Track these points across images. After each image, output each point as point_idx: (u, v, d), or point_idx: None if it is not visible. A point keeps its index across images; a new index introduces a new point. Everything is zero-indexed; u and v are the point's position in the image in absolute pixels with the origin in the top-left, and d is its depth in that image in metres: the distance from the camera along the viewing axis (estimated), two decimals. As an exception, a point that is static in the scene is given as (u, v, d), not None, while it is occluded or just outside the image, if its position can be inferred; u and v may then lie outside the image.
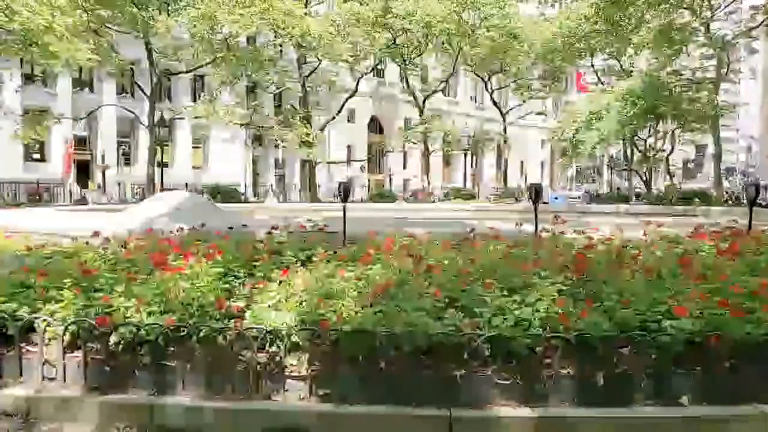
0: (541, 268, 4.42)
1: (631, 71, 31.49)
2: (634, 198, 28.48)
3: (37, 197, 27.11)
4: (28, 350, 4.14)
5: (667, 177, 35.66)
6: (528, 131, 54.50)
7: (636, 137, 30.32)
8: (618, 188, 38.80)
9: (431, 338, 3.65)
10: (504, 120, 41.58)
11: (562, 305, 3.86)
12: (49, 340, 4.08)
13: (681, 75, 29.77)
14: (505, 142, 42.26)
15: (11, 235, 7.36)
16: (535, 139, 58.03)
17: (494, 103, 41.35)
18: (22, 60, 25.11)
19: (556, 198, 30.40)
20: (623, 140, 30.81)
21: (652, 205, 21.52)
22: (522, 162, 55.49)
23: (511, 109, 42.70)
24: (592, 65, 36.54)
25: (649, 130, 30.93)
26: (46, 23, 18.18)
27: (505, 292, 4.17)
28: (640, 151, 31.76)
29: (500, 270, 4.63)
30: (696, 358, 3.61)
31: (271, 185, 39.75)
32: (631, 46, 29.66)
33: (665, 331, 3.56)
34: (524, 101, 41.30)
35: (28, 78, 30.41)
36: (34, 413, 3.85)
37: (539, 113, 43.73)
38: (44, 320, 4.08)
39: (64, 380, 4.01)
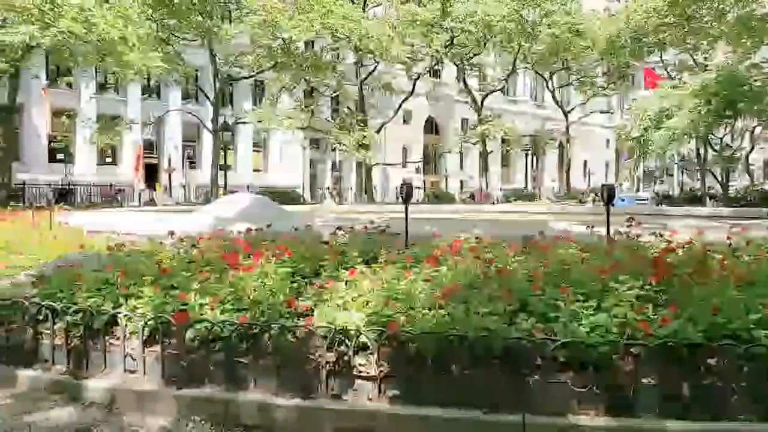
0: (617, 272, 4.27)
1: (706, 66, 30.07)
2: (708, 200, 27.23)
3: (110, 199, 28.44)
4: (111, 343, 4.33)
5: (746, 177, 33.85)
6: (592, 130, 53.07)
7: (711, 135, 28.85)
8: (691, 189, 37.12)
9: (504, 342, 3.57)
10: (566, 119, 40.69)
11: (642, 311, 3.71)
12: (131, 334, 4.25)
13: (762, 68, 28.18)
14: (567, 141, 41.32)
15: (93, 235, 7.75)
16: (600, 138, 56.45)
17: (555, 101, 40.52)
18: (96, 69, 26.44)
19: (623, 200, 29.31)
20: (696, 139, 29.41)
21: (731, 207, 20.47)
22: (585, 162, 54.08)
23: (573, 108, 41.71)
24: (662, 60, 35.11)
25: (726, 127, 29.35)
26: (120, 34, 19.11)
27: (580, 297, 4.04)
28: (715, 150, 30.27)
29: (573, 274, 4.49)
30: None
31: (328, 187, 40.30)
32: (710, 41, 28.21)
33: (759, 341, 3.35)
34: (587, 99, 40.26)
35: (101, 87, 31.96)
36: (117, 404, 4.02)
37: (604, 111, 42.52)
38: (126, 315, 4.26)
39: (144, 373, 4.16)
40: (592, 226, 6.06)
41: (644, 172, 52.55)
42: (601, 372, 3.48)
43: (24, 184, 25.30)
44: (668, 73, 34.92)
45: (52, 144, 31.02)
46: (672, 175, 49.38)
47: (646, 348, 3.43)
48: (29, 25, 18.50)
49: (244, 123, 33.59)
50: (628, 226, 5.75)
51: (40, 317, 4.51)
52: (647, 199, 30.80)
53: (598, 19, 33.77)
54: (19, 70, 21.73)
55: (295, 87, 31.39)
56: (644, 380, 3.47)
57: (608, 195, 5.62)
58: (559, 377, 3.54)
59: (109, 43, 19.42)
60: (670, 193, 38.18)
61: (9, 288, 5.04)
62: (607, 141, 56.63)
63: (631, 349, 3.48)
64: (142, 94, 33.93)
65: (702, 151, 31.17)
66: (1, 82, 21.89)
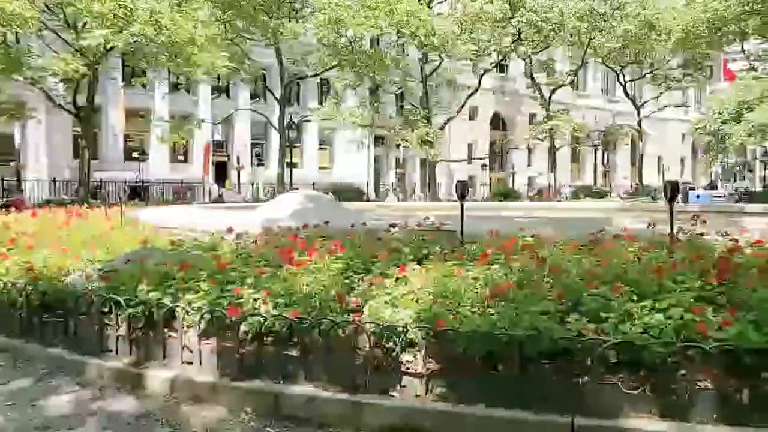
0: (676, 272, 4.08)
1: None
2: (793, 196, 25.57)
3: (181, 195, 29.61)
4: (170, 335, 4.51)
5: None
6: (666, 125, 50.86)
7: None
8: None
9: (554, 342, 3.49)
10: (638, 113, 39.17)
11: (700, 313, 3.53)
12: (188, 327, 4.41)
13: None
14: (639, 137, 39.75)
15: (160, 231, 8.10)
16: (675, 133, 53.98)
17: (627, 95, 39.04)
18: (169, 70, 27.55)
19: (698, 197, 27.98)
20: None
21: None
22: (659, 158, 51.85)
23: (646, 102, 40.07)
24: (743, 50, 33.19)
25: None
26: (189, 35, 19.83)
27: (635, 297, 3.89)
28: (802, 144, 28.39)
29: (630, 273, 4.33)
30: None
31: (392, 184, 40.45)
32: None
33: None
34: (661, 93, 38.56)
35: (174, 87, 33.26)
36: (175, 393, 4.20)
37: (679, 105, 40.60)
38: (183, 309, 4.42)
39: (200, 364, 4.32)
40: (654, 224, 5.83)
41: (723, 167, 49.85)
42: (655, 375, 3.35)
43: (101, 181, 26.68)
44: (750, 63, 32.97)
45: (127, 143, 32.65)
46: (753, 171, 46.62)
47: (703, 351, 3.26)
48: (104, 29, 19.49)
49: (309, 121, 34.17)
50: (692, 225, 5.50)
51: (105, 309, 4.75)
52: (724, 196, 29.19)
53: (673, 8, 32.19)
54: (96, 73, 22.90)
55: (359, 84, 31.64)
56: (701, 384, 3.31)
57: (671, 192, 5.37)
58: (611, 379, 3.43)
59: (178, 44, 20.23)
60: (751, 189, 36.04)
61: (80, 281, 5.34)
62: (683, 136, 54.11)
63: (688, 352, 3.33)
64: (213, 93, 35.09)
65: (787, 145, 29.29)
66: (81, 84, 23.12)
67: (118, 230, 8.35)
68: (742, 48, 32.96)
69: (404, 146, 33.91)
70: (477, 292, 4.20)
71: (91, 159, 24.97)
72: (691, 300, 3.69)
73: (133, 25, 19.45)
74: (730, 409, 3.26)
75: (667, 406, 3.32)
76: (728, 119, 24.99)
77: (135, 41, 20.32)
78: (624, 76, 38.41)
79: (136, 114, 30.15)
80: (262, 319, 4.13)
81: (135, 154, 32.67)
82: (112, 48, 21.44)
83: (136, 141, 33.03)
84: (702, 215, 5.99)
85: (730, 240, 5.05)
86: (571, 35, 32.35)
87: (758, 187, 38.41)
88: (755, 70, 31.88)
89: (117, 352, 4.70)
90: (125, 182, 26.42)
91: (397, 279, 4.65)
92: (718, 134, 26.58)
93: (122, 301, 4.63)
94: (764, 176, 43.82)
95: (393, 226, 6.70)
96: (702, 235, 5.35)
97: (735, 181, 46.89)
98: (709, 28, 28.28)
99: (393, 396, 3.79)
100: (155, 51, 21.77)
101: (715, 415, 3.27)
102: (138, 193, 25.76)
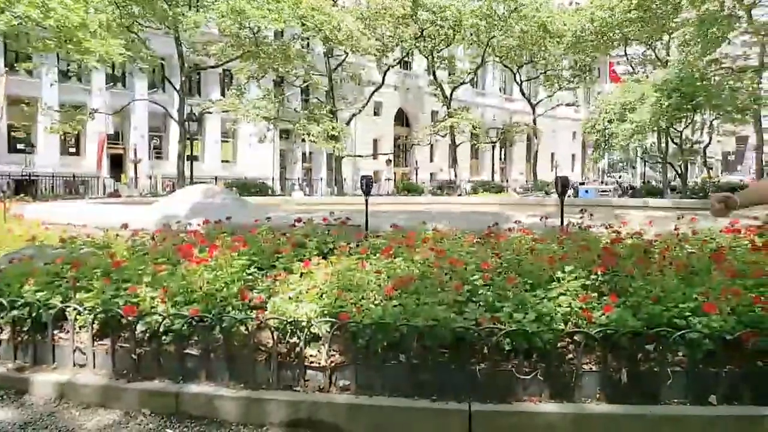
0: (565, 263, 4.38)
1: (667, 61, 30.78)
2: (669, 191, 27.94)
3: (73, 190, 27.78)
4: (60, 338, 4.26)
5: (704, 169, 34.84)
6: (559, 123, 53.81)
7: (671, 128, 29.61)
8: (649, 181, 38.06)
9: (452, 332, 3.64)
10: (534, 112, 41.11)
11: (585, 300, 3.81)
12: (80, 328, 4.19)
13: (721, 64, 28.97)
14: (534, 134, 41.79)
15: (49, 227, 7.59)
16: (567, 131, 57.24)
17: (523, 94, 40.87)
18: (58, 56, 25.69)
19: (587, 191, 30.00)
20: (658, 132, 30.18)
21: (687, 199, 21.05)
22: (552, 154, 54.83)
23: (540, 101, 42.16)
24: (626, 54, 35.81)
25: (686, 121, 30.16)
26: (80, 20, 18.56)
27: (528, 287, 4.13)
28: (675, 143, 31.05)
29: (524, 264, 4.59)
30: (728, 357, 3.49)
31: (298, 179, 40.07)
32: (672, 38, 28.89)
33: (694, 328, 3.48)
34: (554, 92, 40.73)
35: (64, 74, 31.04)
36: (66, 398, 3.97)
37: (570, 104, 43.10)
38: (74, 309, 4.19)
39: (94, 367, 4.12)
40: (546, 217, 6.19)
41: (609, 164, 53.64)
42: (545, 359, 3.57)
43: (-20, 175, 24.52)
44: (632, 67, 35.64)
45: (11, 133, 30.12)
46: (635, 168, 50.51)
47: (587, 336, 3.53)
48: (-19, 9, 17.86)
49: (211, 113, 33.09)
50: (581, 218, 5.89)
51: (-15, 312, 4.41)
52: (610, 191, 31.46)
53: (564, 13, 34.17)
54: (-26, 56, 20.97)
55: (263, 77, 30.99)
56: (586, 367, 3.58)
57: (562, 187, 5.72)
58: (506, 365, 3.62)
59: (68, 29, 18.87)
60: (633, 184, 39.07)
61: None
62: (574, 134, 57.51)
63: (574, 337, 3.58)
64: (107, 82, 33.16)
65: (663, 144, 31.94)
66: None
67: (1, 227, 7.73)
68: (626, 52, 35.56)
69: (310, 141, 33.62)
70: (380, 285, 4.28)
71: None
72: (579, 288, 3.97)
73: (17, 6, 17.92)
74: (613, 389, 3.53)
75: (557, 389, 3.56)
76: (613, 119, 26.92)
77: (19, 24, 18.72)
78: (520, 76, 40.19)
79: (20, 102, 27.81)
80: (159, 318, 4.01)
81: (20, 146, 30.21)
82: (-9, 30, 19.67)
83: (22, 131, 30.50)
84: (589, 209, 6.41)
85: (613, 232, 5.46)
86: (470, 34, 33.45)
87: (639, 183, 41.63)
88: (636, 73, 34.56)
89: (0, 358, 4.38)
90: (9, 176, 24.46)
91: (302, 274, 4.65)
92: (605, 133, 28.59)
93: (5, 303, 4.32)
94: (644, 173, 47.58)
95: (298, 221, 6.67)
96: (589, 227, 5.74)
97: (620, 177, 50.62)
98: (596, 33, 30.33)
99: (296, 390, 3.79)
100: (42, 35, 20.18)
101: (598, 395, 3.54)
102: (24, 187, 23.92)
